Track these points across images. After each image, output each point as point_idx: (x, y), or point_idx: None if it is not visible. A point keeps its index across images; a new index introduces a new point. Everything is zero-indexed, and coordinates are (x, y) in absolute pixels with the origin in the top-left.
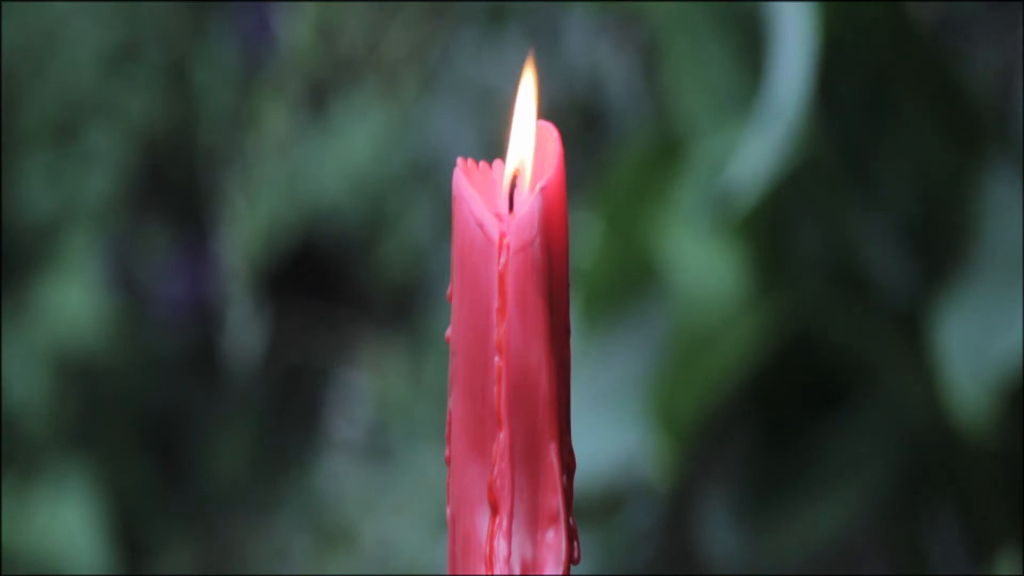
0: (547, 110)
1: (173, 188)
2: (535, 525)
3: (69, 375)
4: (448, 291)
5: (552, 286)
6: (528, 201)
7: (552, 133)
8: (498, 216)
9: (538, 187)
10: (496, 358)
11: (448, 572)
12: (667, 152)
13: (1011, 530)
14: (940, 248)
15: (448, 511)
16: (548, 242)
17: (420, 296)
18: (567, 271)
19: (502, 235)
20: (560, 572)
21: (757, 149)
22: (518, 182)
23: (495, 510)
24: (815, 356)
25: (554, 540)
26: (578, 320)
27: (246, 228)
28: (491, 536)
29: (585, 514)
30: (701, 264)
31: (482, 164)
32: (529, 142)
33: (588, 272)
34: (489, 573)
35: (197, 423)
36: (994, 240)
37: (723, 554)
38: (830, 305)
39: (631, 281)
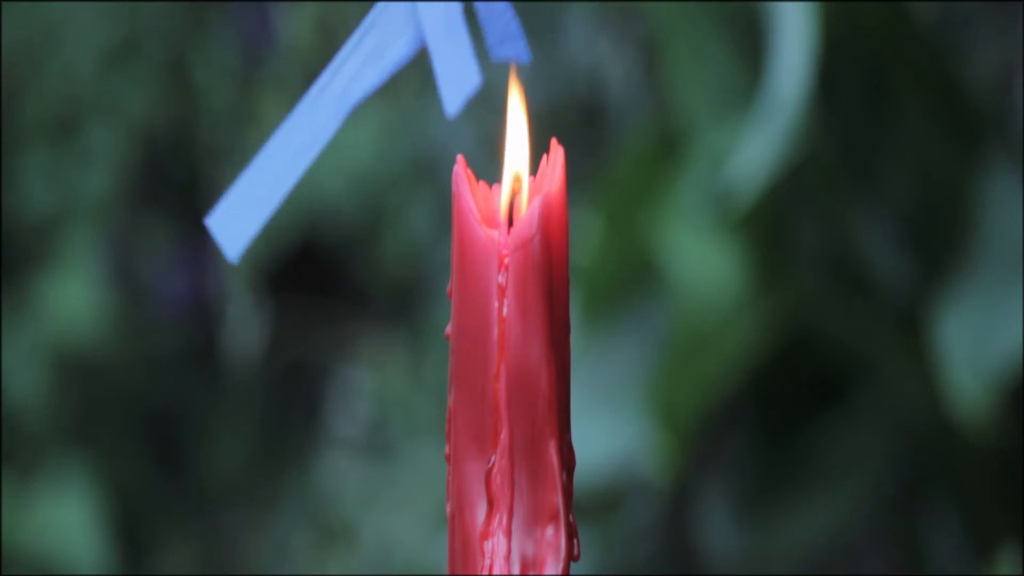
0: (547, 107)
1: (173, 185)
2: (535, 522)
3: (69, 371)
4: (448, 288)
5: (552, 283)
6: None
7: (555, 145)
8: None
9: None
10: (496, 355)
11: (448, 569)
12: (667, 149)
13: (1011, 528)
14: (940, 245)
15: (448, 508)
16: (548, 239)
17: (420, 292)
18: (567, 268)
19: (502, 232)
20: (560, 569)
21: (757, 146)
22: (518, 194)
23: (494, 507)
24: (815, 352)
25: (554, 537)
26: (578, 317)
27: None
28: (491, 533)
29: (585, 511)
30: (701, 261)
31: (481, 184)
32: (523, 151)
33: (588, 269)
34: (489, 571)
35: (197, 419)
36: (994, 237)
37: (723, 551)
38: (830, 301)
39: (631, 278)
